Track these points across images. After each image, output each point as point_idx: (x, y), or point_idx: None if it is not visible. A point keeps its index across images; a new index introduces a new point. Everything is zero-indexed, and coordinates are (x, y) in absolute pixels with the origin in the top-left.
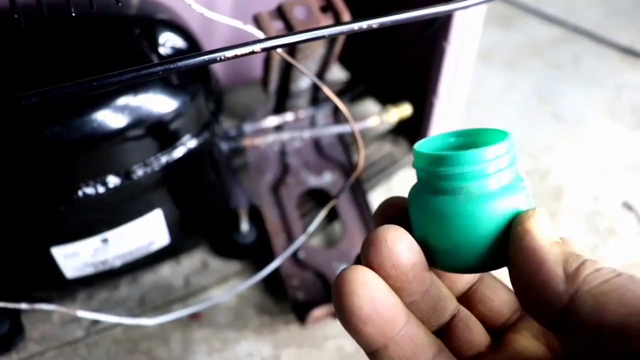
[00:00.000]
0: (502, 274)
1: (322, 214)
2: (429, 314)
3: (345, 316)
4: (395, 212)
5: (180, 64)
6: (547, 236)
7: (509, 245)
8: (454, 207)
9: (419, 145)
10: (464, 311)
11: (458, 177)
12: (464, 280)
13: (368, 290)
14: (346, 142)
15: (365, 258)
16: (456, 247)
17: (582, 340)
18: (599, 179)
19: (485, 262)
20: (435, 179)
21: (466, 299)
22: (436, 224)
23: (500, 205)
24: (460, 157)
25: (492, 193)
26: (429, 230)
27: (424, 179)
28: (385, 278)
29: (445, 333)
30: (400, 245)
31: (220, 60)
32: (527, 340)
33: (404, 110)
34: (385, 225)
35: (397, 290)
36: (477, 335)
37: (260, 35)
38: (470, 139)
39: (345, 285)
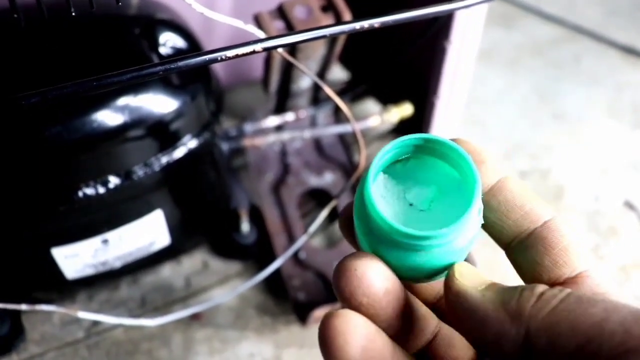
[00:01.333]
0: None
1: (323, 214)
2: (409, 335)
3: None
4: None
5: (180, 64)
6: (475, 287)
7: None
8: (415, 258)
9: (380, 208)
10: (446, 328)
11: (425, 247)
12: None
13: (359, 340)
14: (347, 142)
15: (336, 287)
16: (414, 275)
17: None
18: (600, 178)
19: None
20: (399, 242)
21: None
22: (397, 265)
23: (464, 253)
24: (431, 236)
25: (457, 249)
26: (386, 260)
27: (382, 236)
28: (358, 306)
29: (428, 353)
30: (370, 274)
31: (221, 60)
32: None
33: (405, 109)
34: (355, 253)
35: (372, 317)
36: (461, 351)
37: (261, 35)
38: (429, 152)
39: (334, 335)
